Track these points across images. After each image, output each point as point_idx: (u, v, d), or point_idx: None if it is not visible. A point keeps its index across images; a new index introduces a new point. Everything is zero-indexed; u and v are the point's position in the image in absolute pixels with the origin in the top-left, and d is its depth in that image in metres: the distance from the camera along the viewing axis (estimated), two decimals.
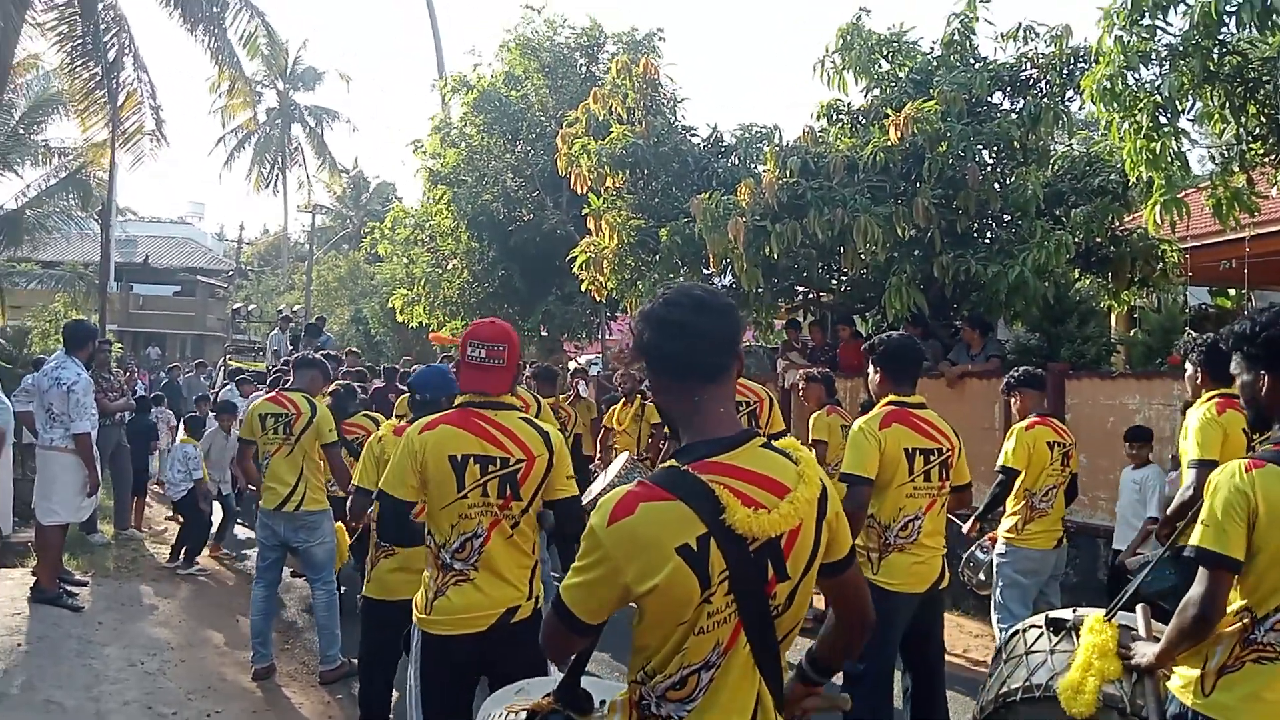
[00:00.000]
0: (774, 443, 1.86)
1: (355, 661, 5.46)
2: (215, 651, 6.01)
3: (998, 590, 5.11)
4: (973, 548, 5.16)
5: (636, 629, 1.76)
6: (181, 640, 6.19)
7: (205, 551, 8.79)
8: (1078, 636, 2.79)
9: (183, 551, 8.32)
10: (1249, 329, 2.48)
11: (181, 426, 9.34)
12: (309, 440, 5.56)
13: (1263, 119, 6.22)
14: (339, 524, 5.91)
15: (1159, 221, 6.22)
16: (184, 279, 38.14)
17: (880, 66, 9.32)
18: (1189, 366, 4.47)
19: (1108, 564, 6.13)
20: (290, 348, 14.14)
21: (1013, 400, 5.26)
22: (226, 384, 14.08)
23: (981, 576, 5.17)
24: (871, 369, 4.00)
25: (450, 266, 14.99)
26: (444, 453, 2.99)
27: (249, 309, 29.03)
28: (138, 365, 21.67)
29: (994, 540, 5.18)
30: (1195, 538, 2.39)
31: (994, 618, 5.16)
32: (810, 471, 1.80)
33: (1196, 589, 2.37)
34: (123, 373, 13.27)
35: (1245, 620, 2.37)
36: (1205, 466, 4.15)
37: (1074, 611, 2.97)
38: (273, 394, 6.08)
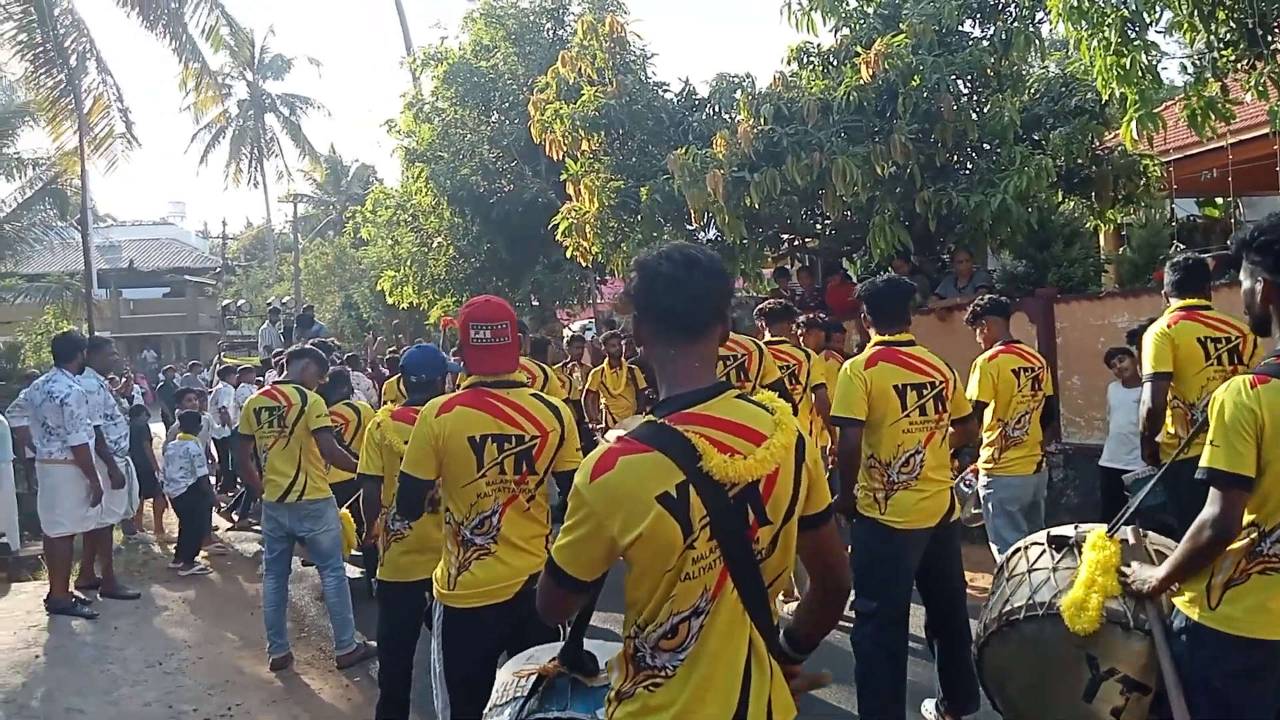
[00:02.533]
0: (750, 396, 1.88)
1: (371, 644, 5.54)
2: (232, 646, 6.07)
3: (990, 520, 5.15)
4: (955, 482, 5.20)
5: (627, 582, 1.79)
6: (198, 638, 6.25)
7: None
8: (1080, 553, 2.77)
9: (178, 552, 8.36)
10: (1247, 235, 2.46)
11: (179, 423, 9.34)
12: (302, 430, 5.58)
13: (1232, 24, 6.13)
14: (344, 510, 5.95)
15: (1135, 137, 6.18)
16: (172, 280, 38.04)
17: (848, 4, 9.18)
18: (1166, 284, 4.53)
19: (1100, 483, 6.17)
20: (282, 340, 14.09)
21: (979, 330, 5.24)
22: (220, 383, 14.06)
23: (972, 509, 5.19)
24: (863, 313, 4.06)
25: (435, 244, 14.90)
26: (463, 434, 3.02)
27: (239, 304, 28.99)
28: (133, 370, 21.59)
29: (976, 473, 5.19)
30: (1205, 459, 2.32)
31: (994, 549, 5.20)
32: (786, 420, 1.82)
33: (1210, 510, 2.31)
34: (119, 379, 13.20)
35: (1253, 535, 2.35)
36: (1159, 379, 4.25)
37: (1075, 528, 2.92)
38: (266, 388, 6.10)
